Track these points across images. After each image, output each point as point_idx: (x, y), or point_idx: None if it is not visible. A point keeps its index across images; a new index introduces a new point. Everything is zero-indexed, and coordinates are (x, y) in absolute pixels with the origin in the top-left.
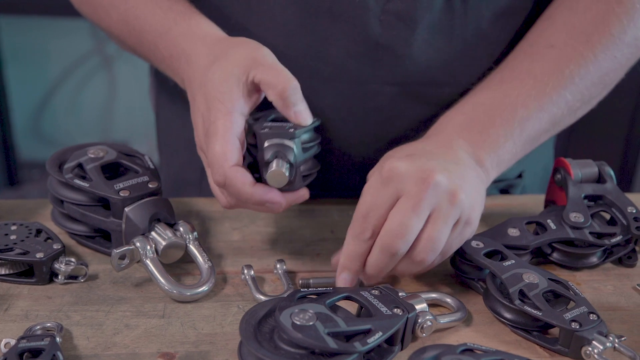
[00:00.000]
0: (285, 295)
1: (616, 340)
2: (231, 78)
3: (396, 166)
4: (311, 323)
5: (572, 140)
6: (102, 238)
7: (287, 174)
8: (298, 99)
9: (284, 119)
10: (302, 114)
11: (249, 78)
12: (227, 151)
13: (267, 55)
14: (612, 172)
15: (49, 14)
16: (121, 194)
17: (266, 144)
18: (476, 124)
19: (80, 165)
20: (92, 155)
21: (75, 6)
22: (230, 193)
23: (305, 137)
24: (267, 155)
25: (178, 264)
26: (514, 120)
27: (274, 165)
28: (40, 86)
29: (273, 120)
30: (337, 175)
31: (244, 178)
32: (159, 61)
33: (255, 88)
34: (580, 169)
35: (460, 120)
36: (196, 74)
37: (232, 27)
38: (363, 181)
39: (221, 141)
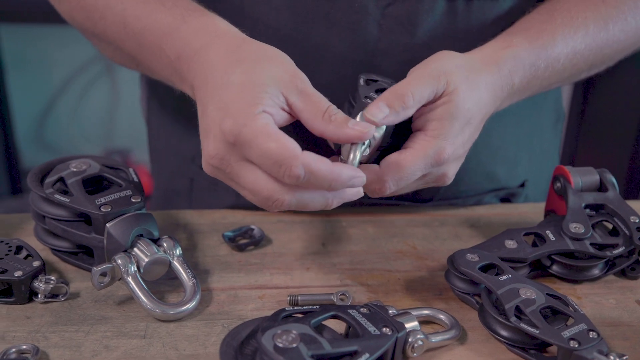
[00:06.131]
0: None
1: None
2: (264, 88)
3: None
4: (294, 345)
5: (579, 148)
6: (85, 254)
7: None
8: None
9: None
10: (359, 124)
11: (288, 100)
12: (288, 143)
13: (306, 81)
14: (614, 180)
15: (51, 22)
16: (102, 209)
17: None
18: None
19: (61, 180)
20: (74, 169)
21: (65, 15)
22: (311, 183)
23: None
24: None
25: (163, 281)
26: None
27: None
28: (42, 94)
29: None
30: None
31: (323, 159)
32: (163, 66)
33: (285, 111)
34: (580, 177)
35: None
36: (214, 73)
37: None
38: None
39: (273, 137)
